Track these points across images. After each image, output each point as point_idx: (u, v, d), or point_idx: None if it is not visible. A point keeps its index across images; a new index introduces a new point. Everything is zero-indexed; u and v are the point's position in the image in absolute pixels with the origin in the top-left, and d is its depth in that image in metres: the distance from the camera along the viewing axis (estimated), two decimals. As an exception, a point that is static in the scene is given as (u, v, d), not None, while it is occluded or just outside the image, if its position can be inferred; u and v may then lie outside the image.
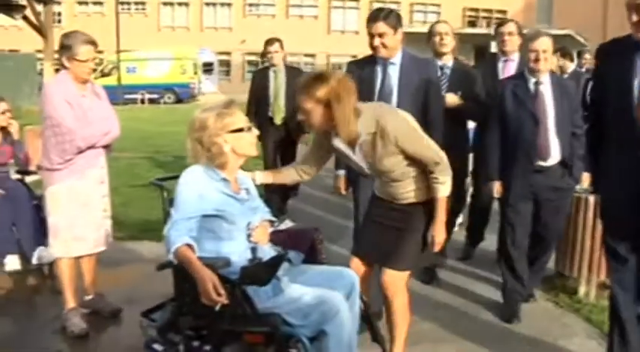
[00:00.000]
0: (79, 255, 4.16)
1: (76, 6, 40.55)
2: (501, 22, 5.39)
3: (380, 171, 3.18)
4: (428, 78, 3.99)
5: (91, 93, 4.12)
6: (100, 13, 39.95)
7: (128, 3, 39.72)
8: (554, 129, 4.12)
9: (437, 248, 3.26)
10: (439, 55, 4.87)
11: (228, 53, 39.97)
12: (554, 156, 4.14)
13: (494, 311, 4.46)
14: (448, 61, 4.90)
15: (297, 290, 2.83)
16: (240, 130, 2.93)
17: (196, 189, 2.81)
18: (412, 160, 3.13)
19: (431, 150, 3.12)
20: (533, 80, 4.16)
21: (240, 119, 2.95)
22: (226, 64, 40.51)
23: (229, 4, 41.27)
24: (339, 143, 3.14)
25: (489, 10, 40.09)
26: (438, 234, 3.22)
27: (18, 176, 5.23)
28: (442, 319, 4.32)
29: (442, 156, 3.14)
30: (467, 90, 4.73)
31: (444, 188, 3.15)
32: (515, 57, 5.14)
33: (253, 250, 2.84)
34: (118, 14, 31.25)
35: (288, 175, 3.43)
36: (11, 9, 10.99)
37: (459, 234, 5.93)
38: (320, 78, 2.95)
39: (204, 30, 40.99)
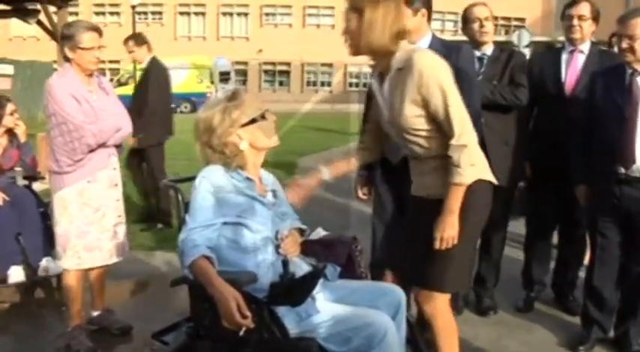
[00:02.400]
0: (92, 267, 3.82)
1: (94, 16, 40.65)
2: (571, 2, 4.28)
3: (402, 127, 2.64)
4: (459, 66, 3.24)
5: (98, 87, 3.79)
6: (117, 23, 40.06)
7: (145, 13, 39.76)
8: None
9: (444, 244, 2.60)
10: (479, 44, 4.18)
11: (244, 63, 39.88)
12: None
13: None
14: (488, 49, 4.20)
15: (336, 311, 2.44)
16: (254, 121, 2.57)
17: (215, 191, 2.45)
18: (437, 125, 2.60)
19: (454, 113, 2.53)
20: (629, 71, 3.50)
21: (250, 108, 2.59)
22: (243, 74, 40.41)
23: (246, 14, 41.22)
24: (374, 83, 2.78)
25: (507, 18, 39.73)
26: (447, 227, 2.58)
27: (25, 182, 4.98)
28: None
29: (466, 131, 2.55)
30: (506, 76, 4.09)
31: (460, 173, 2.55)
32: (586, 47, 4.20)
33: (284, 264, 2.44)
34: (135, 24, 31.09)
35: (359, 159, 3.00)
36: (26, 13, 10.83)
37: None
38: None
39: (221, 39, 40.97)
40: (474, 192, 2.61)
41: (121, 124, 3.78)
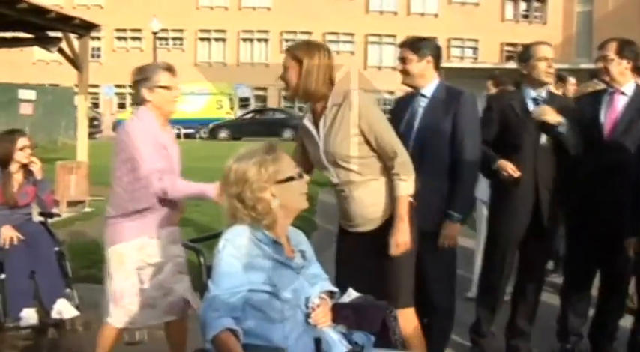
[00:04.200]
0: (143, 326, 3.57)
1: (115, 41, 41.09)
2: (602, 43, 4.01)
3: (338, 156, 3.00)
4: (458, 111, 3.52)
5: (171, 135, 3.58)
6: (138, 48, 40.38)
7: (166, 39, 40.02)
8: None
9: (399, 250, 2.99)
10: (539, 83, 3.96)
11: (264, 88, 39.93)
12: None
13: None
14: (542, 91, 3.98)
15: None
16: (290, 179, 2.39)
17: (240, 255, 2.26)
18: (372, 152, 3.01)
19: (392, 138, 3.01)
20: None
21: (288, 165, 2.42)
22: (262, 100, 40.46)
23: (266, 40, 41.41)
24: (307, 121, 3.12)
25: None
26: (400, 234, 2.97)
27: (40, 218, 4.88)
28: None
29: (402, 150, 3.02)
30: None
31: (404, 185, 2.99)
32: (629, 89, 3.93)
33: (317, 342, 2.23)
34: (156, 49, 31.41)
35: None
36: (47, 42, 10.82)
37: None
38: (304, 42, 3.11)
39: (241, 65, 41.10)
40: None
41: (206, 189, 3.34)
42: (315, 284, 2.43)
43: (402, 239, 2.97)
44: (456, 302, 3.73)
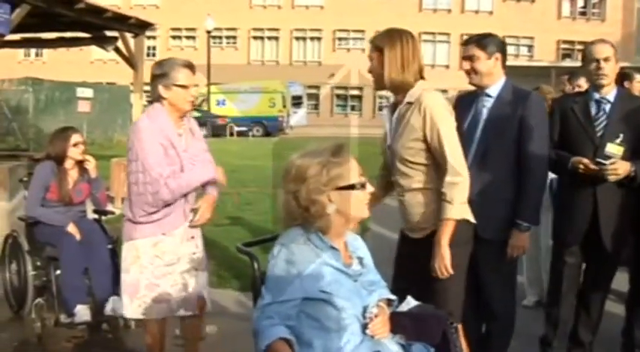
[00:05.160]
0: (158, 317, 3.54)
1: (170, 40, 41.72)
2: None
3: (398, 156, 2.94)
4: (524, 114, 3.31)
5: (188, 131, 3.51)
6: (192, 47, 40.94)
7: (219, 37, 40.46)
8: None
9: (440, 273, 2.85)
10: (597, 87, 3.73)
11: (317, 87, 39.95)
12: None
13: None
14: (609, 92, 3.70)
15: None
16: (352, 188, 2.25)
17: (295, 262, 2.16)
18: (432, 160, 2.88)
19: (453, 150, 2.84)
20: None
21: (352, 172, 2.26)
22: (315, 98, 40.49)
23: (319, 38, 41.41)
24: (385, 111, 3.14)
25: (585, 43, 38.59)
26: (438, 259, 2.83)
27: (95, 216, 4.92)
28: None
29: (458, 169, 2.83)
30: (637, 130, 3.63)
31: (452, 208, 2.82)
32: None
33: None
34: (210, 48, 31.73)
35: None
36: (104, 41, 11.03)
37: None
38: (386, 30, 3.00)
39: (294, 63, 41.21)
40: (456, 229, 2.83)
41: (205, 176, 3.48)
42: (373, 292, 2.31)
43: (440, 264, 2.83)
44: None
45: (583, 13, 40.43)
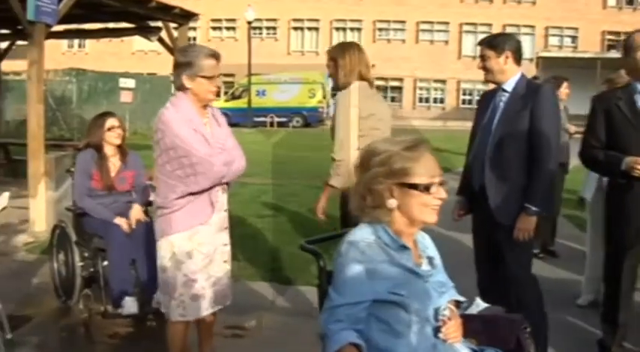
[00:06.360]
0: (196, 318, 3.50)
1: (211, 31, 41.87)
2: None
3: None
4: (535, 106, 3.48)
5: (212, 119, 3.45)
6: (232, 38, 41.02)
7: (260, 28, 40.45)
8: None
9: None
10: None
11: (356, 78, 39.71)
12: None
13: None
14: None
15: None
16: (413, 187, 2.08)
17: (365, 261, 2.02)
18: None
19: (342, 135, 3.89)
20: None
21: (421, 170, 2.08)
22: (354, 89, 40.24)
23: (359, 29, 41.11)
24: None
25: (630, 33, 37.59)
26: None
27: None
28: None
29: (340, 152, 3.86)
30: None
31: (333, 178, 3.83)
32: None
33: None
34: (250, 38, 31.75)
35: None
36: (148, 31, 11.05)
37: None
38: (340, 44, 4.18)
39: (333, 54, 40.99)
40: None
41: (234, 160, 3.42)
42: (443, 294, 2.18)
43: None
44: (568, 309, 3.48)
45: (630, 2, 39.25)
